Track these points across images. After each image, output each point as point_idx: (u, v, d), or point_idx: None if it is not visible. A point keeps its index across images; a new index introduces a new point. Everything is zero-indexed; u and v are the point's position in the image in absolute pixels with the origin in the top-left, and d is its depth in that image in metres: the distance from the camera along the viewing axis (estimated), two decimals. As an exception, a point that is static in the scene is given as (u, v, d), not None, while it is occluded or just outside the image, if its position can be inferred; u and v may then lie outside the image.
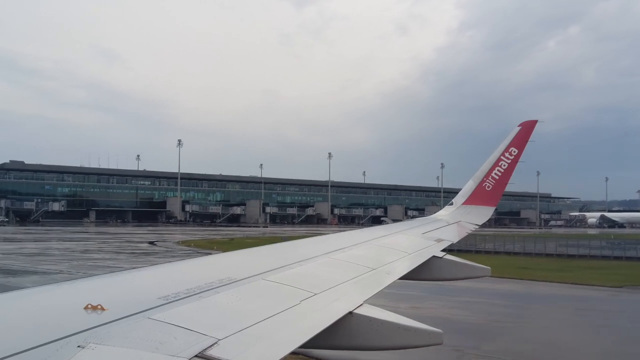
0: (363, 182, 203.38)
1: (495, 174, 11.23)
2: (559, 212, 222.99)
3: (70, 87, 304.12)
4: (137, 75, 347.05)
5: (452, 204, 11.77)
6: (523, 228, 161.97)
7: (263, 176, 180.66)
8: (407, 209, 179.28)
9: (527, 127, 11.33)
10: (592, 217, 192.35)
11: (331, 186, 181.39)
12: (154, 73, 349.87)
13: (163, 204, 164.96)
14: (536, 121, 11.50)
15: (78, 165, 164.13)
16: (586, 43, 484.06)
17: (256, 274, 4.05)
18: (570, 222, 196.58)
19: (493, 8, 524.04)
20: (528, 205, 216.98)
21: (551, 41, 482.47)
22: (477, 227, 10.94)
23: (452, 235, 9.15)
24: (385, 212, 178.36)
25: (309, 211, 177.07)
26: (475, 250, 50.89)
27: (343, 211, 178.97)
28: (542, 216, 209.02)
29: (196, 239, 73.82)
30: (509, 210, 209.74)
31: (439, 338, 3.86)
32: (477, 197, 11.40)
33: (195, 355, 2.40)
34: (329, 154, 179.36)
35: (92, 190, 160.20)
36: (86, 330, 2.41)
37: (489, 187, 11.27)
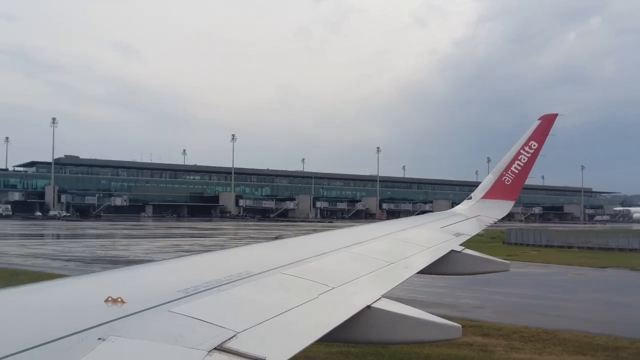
0: (403, 176, 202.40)
1: (515, 167, 11.12)
2: (601, 207, 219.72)
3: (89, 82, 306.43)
4: (154, 70, 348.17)
5: (471, 198, 11.68)
6: (568, 223, 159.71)
7: (306, 170, 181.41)
8: (453, 203, 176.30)
9: (548, 121, 11.19)
10: (637, 212, 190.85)
11: (377, 181, 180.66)
12: (171, 68, 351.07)
13: (215, 199, 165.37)
14: (556, 114, 11.34)
15: (128, 160, 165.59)
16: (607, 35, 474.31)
17: (274, 268, 4.07)
18: (615, 217, 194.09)
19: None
20: (570, 200, 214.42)
21: (571, 33, 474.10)
22: (496, 221, 10.87)
23: (471, 229, 9.07)
24: (432, 206, 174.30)
25: (359, 206, 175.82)
26: (546, 245, 51.51)
27: (392, 206, 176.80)
28: (586, 211, 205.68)
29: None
30: (551, 205, 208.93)
31: (457, 332, 3.85)
32: (496, 191, 11.30)
33: (215, 348, 2.41)
34: (377, 148, 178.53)
35: (146, 185, 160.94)
36: (107, 322, 2.44)
37: (508, 181, 11.17)
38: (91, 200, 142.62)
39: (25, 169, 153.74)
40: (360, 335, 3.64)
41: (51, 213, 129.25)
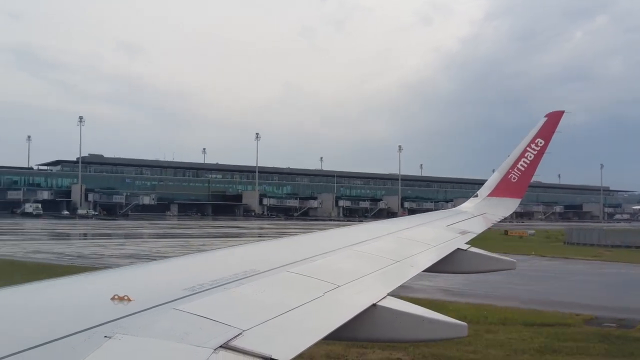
0: (420, 174, 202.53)
1: (521, 165, 11.08)
2: (619, 206, 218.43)
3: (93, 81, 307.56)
4: (159, 68, 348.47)
5: (476, 195, 11.65)
6: (588, 222, 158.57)
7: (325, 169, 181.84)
8: None
9: (554, 118, 11.15)
10: None
11: (396, 179, 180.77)
12: (175, 67, 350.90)
13: (238, 198, 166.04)
14: (563, 112, 11.30)
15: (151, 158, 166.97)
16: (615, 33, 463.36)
17: (280, 266, 4.08)
18: (634, 216, 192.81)
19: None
20: (588, 199, 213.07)
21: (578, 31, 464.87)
22: (502, 218, 10.87)
23: (477, 227, 9.06)
24: (453, 205, 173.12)
25: (381, 204, 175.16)
26: (612, 245, 51.81)
27: (413, 205, 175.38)
28: (605, 210, 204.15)
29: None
30: (570, 203, 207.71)
31: (463, 331, 3.84)
32: (502, 189, 11.27)
33: (220, 346, 2.42)
34: (399, 146, 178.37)
35: (169, 183, 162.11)
36: (113, 320, 2.45)
37: (514, 178, 11.13)
38: (119, 199, 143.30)
39: (49, 167, 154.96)
40: (366, 333, 3.64)
41: (79, 212, 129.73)
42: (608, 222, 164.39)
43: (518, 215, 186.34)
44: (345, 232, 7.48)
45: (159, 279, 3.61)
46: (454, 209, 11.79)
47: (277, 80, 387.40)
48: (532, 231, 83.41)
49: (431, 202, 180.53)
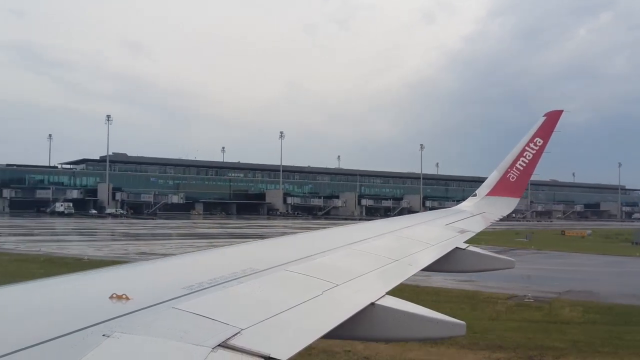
0: (436, 173, 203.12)
1: (520, 164, 11.08)
2: (637, 204, 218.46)
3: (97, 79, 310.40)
4: (161, 67, 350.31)
5: (475, 195, 11.70)
6: (606, 221, 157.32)
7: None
8: None
9: (553, 117, 11.14)
10: None
11: (414, 178, 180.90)
12: (178, 65, 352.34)
13: (261, 196, 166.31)
14: (562, 111, 11.28)
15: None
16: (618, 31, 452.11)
17: (278, 265, 4.08)
18: None
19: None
20: (605, 198, 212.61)
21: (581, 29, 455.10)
22: (501, 218, 10.85)
23: (476, 226, 9.06)
24: None
25: (403, 204, 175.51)
26: None
27: (435, 203, 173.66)
28: (623, 208, 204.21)
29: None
30: (587, 202, 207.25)
31: (461, 330, 3.84)
32: (501, 188, 11.29)
33: (219, 345, 2.42)
34: (421, 145, 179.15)
35: (193, 182, 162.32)
36: (111, 319, 2.46)
37: (513, 178, 11.14)
38: (147, 197, 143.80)
39: (73, 166, 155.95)
40: (364, 332, 3.65)
41: (108, 211, 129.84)
42: (628, 222, 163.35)
43: (538, 214, 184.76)
44: (344, 231, 7.48)
45: (157, 278, 3.61)
46: (452, 207, 11.78)
47: (280, 79, 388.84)
48: (590, 231, 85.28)
49: (452, 201, 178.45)
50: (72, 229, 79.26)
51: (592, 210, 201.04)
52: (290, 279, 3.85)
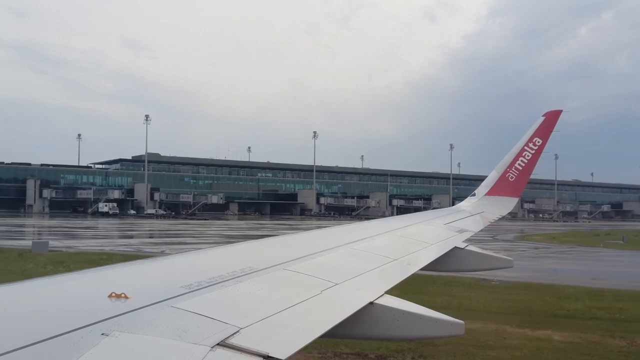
0: (459, 173, 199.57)
1: (519, 164, 11.06)
2: None
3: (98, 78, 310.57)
4: (164, 65, 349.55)
5: (474, 194, 11.67)
6: (632, 221, 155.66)
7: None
8: (523, 201, 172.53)
9: (552, 117, 11.10)
10: None
11: (441, 177, 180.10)
12: (180, 64, 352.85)
13: (293, 196, 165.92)
14: (561, 111, 11.23)
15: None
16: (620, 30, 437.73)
17: (277, 264, 4.09)
18: None
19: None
20: (627, 197, 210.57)
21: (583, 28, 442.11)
22: (500, 217, 10.78)
23: (475, 226, 9.05)
24: None
25: (434, 204, 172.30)
26: None
27: None
28: None
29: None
30: (609, 202, 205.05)
31: (460, 329, 3.84)
32: (500, 188, 11.27)
33: (218, 344, 2.42)
34: (451, 145, 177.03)
35: (226, 182, 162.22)
36: (110, 318, 2.47)
37: (512, 177, 11.12)
38: (186, 198, 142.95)
39: (106, 166, 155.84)
40: (363, 331, 3.66)
41: (148, 211, 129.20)
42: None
43: (564, 215, 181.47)
44: (343, 230, 7.50)
45: (156, 277, 3.62)
46: (452, 207, 11.82)
47: (283, 77, 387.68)
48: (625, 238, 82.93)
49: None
50: (158, 230, 75.21)
51: (616, 210, 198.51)
52: (290, 278, 3.87)
